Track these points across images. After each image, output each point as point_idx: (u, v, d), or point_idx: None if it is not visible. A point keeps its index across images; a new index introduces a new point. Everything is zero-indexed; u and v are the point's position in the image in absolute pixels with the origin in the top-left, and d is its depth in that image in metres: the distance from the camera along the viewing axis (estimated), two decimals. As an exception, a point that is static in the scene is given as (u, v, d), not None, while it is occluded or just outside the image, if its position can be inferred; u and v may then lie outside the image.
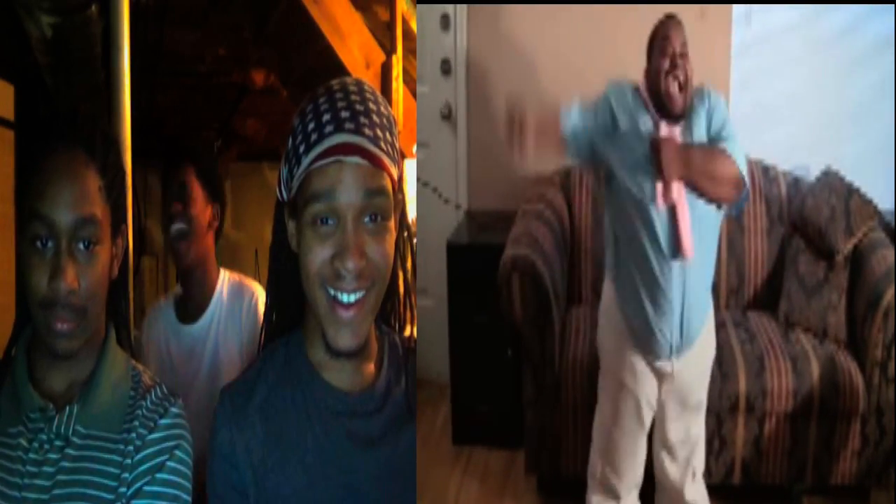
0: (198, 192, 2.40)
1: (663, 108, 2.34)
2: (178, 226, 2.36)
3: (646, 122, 2.35)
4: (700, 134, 2.35)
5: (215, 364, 2.39)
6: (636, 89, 2.39)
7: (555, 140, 2.34)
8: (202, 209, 2.40)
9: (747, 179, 2.33)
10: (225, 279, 2.46)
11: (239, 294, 2.44)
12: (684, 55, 2.32)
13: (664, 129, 2.33)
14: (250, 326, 2.38)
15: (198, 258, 2.41)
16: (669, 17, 2.37)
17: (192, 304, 2.45)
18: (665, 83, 2.31)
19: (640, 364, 2.49)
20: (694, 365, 2.51)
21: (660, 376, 2.49)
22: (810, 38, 3.59)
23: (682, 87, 2.31)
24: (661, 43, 2.33)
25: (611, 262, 2.53)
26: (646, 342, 2.45)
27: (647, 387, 2.51)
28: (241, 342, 2.38)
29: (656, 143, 2.26)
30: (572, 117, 2.35)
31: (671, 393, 2.52)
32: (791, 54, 3.61)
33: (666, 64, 2.31)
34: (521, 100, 2.25)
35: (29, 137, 1.35)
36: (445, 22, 3.82)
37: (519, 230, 3.20)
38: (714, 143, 2.35)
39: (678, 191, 2.29)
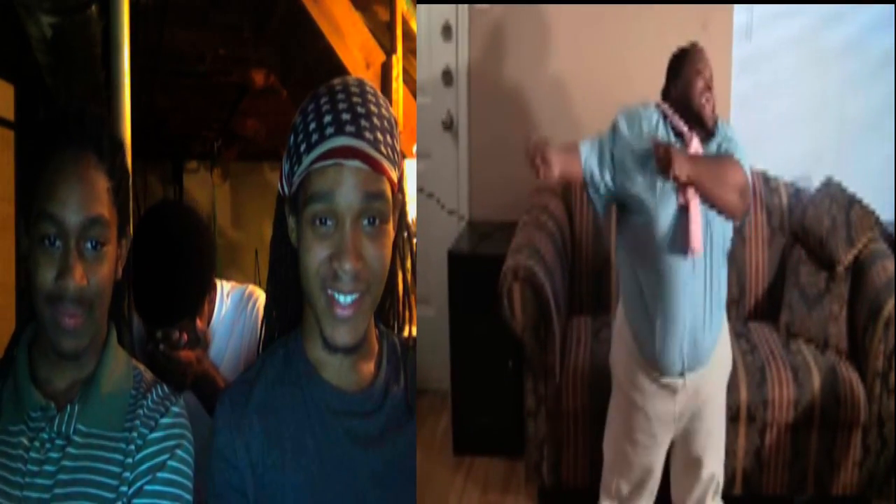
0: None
1: (697, 123, 2.37)
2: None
3: (670, 137, 2.38)
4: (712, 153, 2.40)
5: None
6: (657, 106, 2.42)
7: (577, 170, 2.41)
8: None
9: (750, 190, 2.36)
10: (225, 291, 2.43)
11: (243, 301, 2.42)
12: (711, 86, 2.37)
13: (695, 143, 2.37)
14: (252, 329, 2.36)
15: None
16: (701, 48, 2.42)
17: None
18: (700, 100, 2.35)
19: (649, 382, 2.48)
20: (710, 380, 2.50)
21: (672, 393, 2.48)
22: (811, 54, 3.59)
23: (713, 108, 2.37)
24: (695, 65, 2.38)
25: (624, 280, 2.54)
26: (654, 359, 2.44)
27: (658, 404, 2.49)
28: (245, 345, 2.36)
29: (663, 147, 2.27)
30: (585, 150, 2.42)
31: (689, 409, 2.50)
32: (792, 70, 3.61)
33: (701, 83, 2.36)
34: (539, 140, 2.28)
35: (33, 137, 1.35)
36: (447, 31, 3.83)
37: (520, 240, 3.20)
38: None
39: (691, 193, 2.32)
